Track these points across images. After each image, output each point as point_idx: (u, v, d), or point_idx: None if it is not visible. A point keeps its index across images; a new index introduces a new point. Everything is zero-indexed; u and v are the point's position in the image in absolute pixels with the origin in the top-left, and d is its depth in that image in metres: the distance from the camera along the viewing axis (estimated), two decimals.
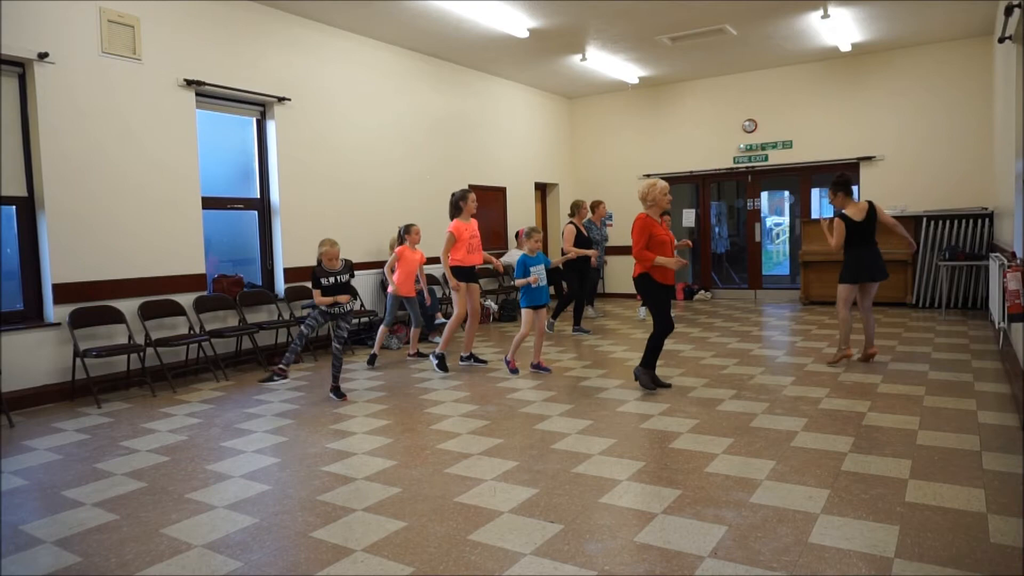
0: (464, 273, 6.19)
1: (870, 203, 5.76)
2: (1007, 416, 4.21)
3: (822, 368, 5.74)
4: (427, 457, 3.85)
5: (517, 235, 10.60)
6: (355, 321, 5.61)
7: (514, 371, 5.98)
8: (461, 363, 6.44)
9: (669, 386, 5.29)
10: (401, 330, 7.88)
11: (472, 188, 10.06)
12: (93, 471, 3.81)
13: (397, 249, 6.81)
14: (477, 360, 6.46)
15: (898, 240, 9.39)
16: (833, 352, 6.16)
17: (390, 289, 6.82)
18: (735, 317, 9.13)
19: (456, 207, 6.23)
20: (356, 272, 7.97)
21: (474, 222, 6.31)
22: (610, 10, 7.65)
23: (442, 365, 6.17)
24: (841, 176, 5.86)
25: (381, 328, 6.90)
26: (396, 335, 7.70)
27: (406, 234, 6.87)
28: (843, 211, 5.75)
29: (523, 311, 5.92)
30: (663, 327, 5.13)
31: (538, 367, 6.03)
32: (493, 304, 9.58)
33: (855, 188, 10.13)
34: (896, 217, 9.37)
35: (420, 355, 7.00)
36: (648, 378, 5.21)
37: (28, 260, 5.50)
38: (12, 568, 2.70)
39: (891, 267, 9.32)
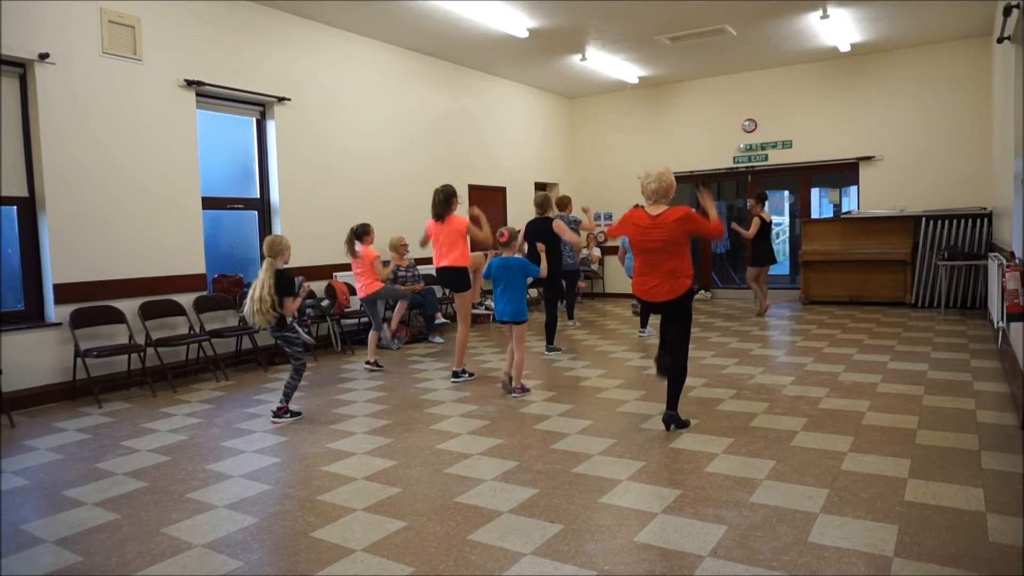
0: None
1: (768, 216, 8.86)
2: (1006, 415, 4.22)
3: (822, 368, 5.75)
4: (427, 457, 3.86)
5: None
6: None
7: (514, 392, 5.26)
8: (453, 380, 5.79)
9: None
10: (401, 330, 7.88)
11: (472, 188, 10.14)
12: (94, 471, 3.82)
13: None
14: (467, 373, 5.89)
15: (897, 239, 9.49)
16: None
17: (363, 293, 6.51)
18: (735, 317, 9.13)
19: (450, 204, 5.86)
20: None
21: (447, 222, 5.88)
22: (610, 10, 7.65)
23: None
24: (761, 192, 9.05)
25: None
26: (397, 335, 7.70)
27: (366, 235, 6.53)
28: (760, 215, 8.74)
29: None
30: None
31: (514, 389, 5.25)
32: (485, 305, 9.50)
33: (854, 188, 10.37)
34: (895, 217, 9.56)
35: (378, 366, 6.38)
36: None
37: (29, 260, 5.50)
38: (13, 567, 2.70)
39: (890, 266, 9.49)
